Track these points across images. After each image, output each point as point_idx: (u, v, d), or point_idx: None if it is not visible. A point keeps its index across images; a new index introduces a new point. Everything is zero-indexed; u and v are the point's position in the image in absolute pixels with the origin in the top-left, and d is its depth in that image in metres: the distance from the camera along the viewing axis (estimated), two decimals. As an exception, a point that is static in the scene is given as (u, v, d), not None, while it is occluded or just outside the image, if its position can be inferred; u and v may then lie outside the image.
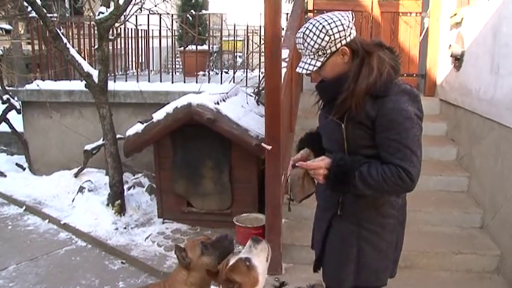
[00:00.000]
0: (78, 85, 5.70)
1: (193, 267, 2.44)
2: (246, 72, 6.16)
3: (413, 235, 3.89)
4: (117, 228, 4.66)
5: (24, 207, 5.48)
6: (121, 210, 4.83)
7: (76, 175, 5.79)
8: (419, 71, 6.24)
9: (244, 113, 4.45)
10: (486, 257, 3.71)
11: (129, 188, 5.19)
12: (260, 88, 5.29)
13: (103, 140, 5.06)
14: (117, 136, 4.91)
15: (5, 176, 6.32)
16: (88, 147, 5.59)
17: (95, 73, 4.71)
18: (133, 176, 5.59)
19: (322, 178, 1.96)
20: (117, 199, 4.81)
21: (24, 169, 6.55)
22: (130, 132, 4.42)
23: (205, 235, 2.60)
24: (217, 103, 4.33)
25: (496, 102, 3.94)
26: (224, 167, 4.39)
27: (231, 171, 4.38)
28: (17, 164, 6.67)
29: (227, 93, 4.80)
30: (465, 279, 3.60)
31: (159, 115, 4.27)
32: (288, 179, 2.12)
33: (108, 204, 4.89)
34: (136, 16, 5.78)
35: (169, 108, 4.24)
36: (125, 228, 4.68)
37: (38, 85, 6.04)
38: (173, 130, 4.27)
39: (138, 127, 4.38)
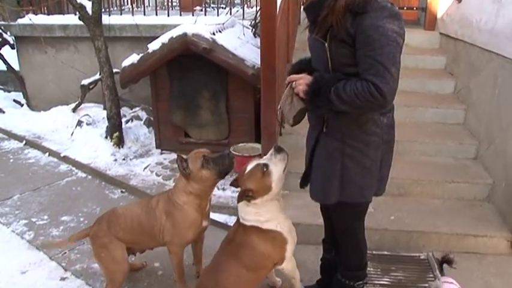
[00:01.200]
0: (73, 19, 5.59)
1: (192, 178, 2.59)
2: (244, 3, 6.01)
3: (408, 164, 3.96)
4: (116, 160, 4.73)
5: (24, 142, 5.56)
6: (119, 142, 4.87)
7: (74, 110, 5.79)
8: (420, 3, 6.10)
9: (241, 44, 4.39)
10: (478, 186, 3.77)
11: (127, 121, 5.20)
12: (257, 21, 5.18)
13: (99, 74, 5.02)
14: (114, 70, 4.87)
15: (4, 112, 6.33)
16: (85, 81, 5.55)
17: (88, 4, 4.60)
18: (131, 109, 5.59)
19: (303, 93, 2.05)
20: (115, 131, 4.84)
21: (22, 105, 6.54)
22: (126, 63, 4.38)
23: (208, 149, 2.75)
24: (213, 34, 4.26)
25: (496, 32, 3.88)
26: (221, 97, 4.38)
27: (228, 102, 4.37)
28: (14, 101, 6.66)
29: (223, 24, 4.71)
30: (457, 206, 3.67)
31: (154, 45, 4.21)
32: (280, 102, 2.19)
33: (106, 137, 4.93)
34: None
35: (164, 39, 4.18)
36: (124, 159, 4.75)
37: (30, 19, 5.91)
38: (169, 60, 4.23)
39: (134, 58, 4.33)
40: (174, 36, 4.09)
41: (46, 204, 4.11)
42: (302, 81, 2.05)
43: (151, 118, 5.10)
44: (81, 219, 3.82)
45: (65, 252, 3.36)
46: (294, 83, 2.09)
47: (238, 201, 2.41)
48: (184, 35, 4.01)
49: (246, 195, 2.34)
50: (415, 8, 6.06)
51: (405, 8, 5.83)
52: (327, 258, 2.77)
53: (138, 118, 5.31)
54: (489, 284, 3.00)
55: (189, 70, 4.34)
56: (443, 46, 5.43)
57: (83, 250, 3.37)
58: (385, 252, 3.34)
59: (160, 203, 2.70)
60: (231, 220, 3.65)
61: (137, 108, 5.54)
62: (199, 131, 4.57)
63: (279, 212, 2.48)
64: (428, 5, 5.67)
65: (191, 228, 2.69)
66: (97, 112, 5.63)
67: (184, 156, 2.62)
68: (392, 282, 3.05)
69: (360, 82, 1.90)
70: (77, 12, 4.64)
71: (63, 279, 3.09)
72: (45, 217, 3.87)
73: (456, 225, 3.41)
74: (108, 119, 4.85)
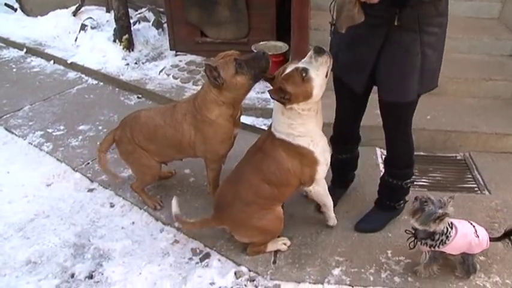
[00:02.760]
0: None
1: (225, 88, 2.30)
2: None
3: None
4: (127, 64, 4.50)
5: (25, 50, 5.26)
6: (129, 46, 4.60)
7: (74, 13, 5.39)
8: None
9: None
10: (516, 84, 3.60)
11: (134, 24, 4.84)
12: None
13: (101, -29, 4.58)
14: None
15: (-4, 18, 5.90)
16: (84, -19, 5.11)
17: None
18: (136, 11, 5.19)
19: None
20: (124, 34, 4.54)
21: (15, 10, 6.08)
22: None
23: (236, 51, 2.39)
24: None
25: None
26: (240, -9, 4.03)
27: (248, -4, 4.05)
28: (6, 5, 6.15)
29: None
30: (493, 105, 3.54)
31: None
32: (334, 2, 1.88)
33: (115, 40, 4.64)
34: None
35: None
36: (136, 63, 4.52)
37: None
38: (182, -50, 3.83)
39: None
40: None
41: (60, 114, 3.91)
42: None
43: (160, 19, 4.75)
44: (100, 127, 3.65)
45: (88, 163, 3.21)
46: None
47: (270, 95, 2.08)
48: None
49: (281, 97, 2.05)
50: None
51: None
52: (342, 159, 2.62)
53: (145, 20, 4.95)
54: (528, 184, 2.93)
55: (205, -39, 3.94)
56: None
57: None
58: (422, 153, 3.26)
59: (188, 117, 2.44)
60: (258, 122, 3.52)
61: (143, 9, 5.15)
62: (216, 30, 4.26)
63: (314, 128, 2.20)
64: None
65: (224, 142, 2.49)
66: (100, 15, 5.24)
67: (214, 64, 2.27)
68: (431, 183, 3.02)
69: None
70: None
71: (90, 190, 2.97)
72: (61, 127, 3.69)
73: (494, 125, 3.30)
74: (115, 20, 4.50)
